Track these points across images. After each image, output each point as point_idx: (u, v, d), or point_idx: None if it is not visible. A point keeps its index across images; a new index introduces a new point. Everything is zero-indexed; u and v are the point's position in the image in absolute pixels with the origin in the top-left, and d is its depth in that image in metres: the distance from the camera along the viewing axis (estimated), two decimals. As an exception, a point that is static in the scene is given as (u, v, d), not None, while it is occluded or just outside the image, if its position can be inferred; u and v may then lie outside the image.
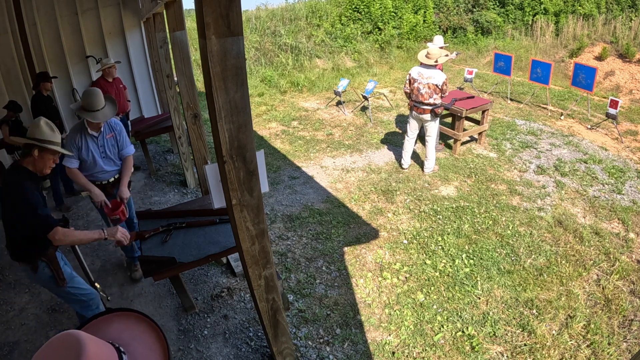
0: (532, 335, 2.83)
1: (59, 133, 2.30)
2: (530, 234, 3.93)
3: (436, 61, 4.56)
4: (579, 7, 10.88)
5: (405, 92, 4.89)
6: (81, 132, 2.97)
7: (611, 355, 2.67)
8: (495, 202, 4.49)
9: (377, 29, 11.91)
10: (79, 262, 2.65)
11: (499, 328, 2.90)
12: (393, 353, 2.75)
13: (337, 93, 7.70)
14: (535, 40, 11.01)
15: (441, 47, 5.17)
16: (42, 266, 2.30)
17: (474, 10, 12.47)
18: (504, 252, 3.70)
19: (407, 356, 2.72)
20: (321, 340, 2.86)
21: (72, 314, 3.11)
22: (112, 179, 3.20)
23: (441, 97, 4.63)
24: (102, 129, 3.03)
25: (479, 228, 4.05)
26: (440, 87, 4.52)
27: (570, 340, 2.79)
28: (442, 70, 4.82)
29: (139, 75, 6.92)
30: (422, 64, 4.69)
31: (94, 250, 3.91)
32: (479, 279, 3.37)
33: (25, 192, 2.11)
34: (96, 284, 2.68)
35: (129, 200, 3.35)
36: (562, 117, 6.97)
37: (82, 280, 2.54)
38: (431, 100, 4.59)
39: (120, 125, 3.21)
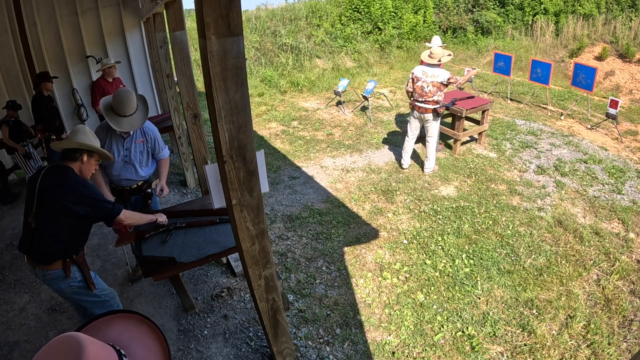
0: (532, 335, 2.83)
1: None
2: (530, 234, 3.93)
3: (439, 60, 4.58)
4: (579, 7, 10.88)
5: (407, 92, 4.90)
6: (108, 130, 2.78)
7: (611, 355, 2.67)
8: (495, 202, 4.49)
9: (377, 29, 11.90)
10: None
11: (499, 328, 2.90)
12: (393, 353, 2.75)
13: (337, 93, 7.70)
14: (535, 40, 11.01)
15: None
16: (74, 270, 2.26)
17: (474, 10, 12.46)
18: (504, 252, 3.70)
19: (407, 356, 2.72)
20: (321, 340, 2.86)
21: (72, 314, 3.11)
22: (132, 187, 3.01)
23: (448, 87, 4.66)
24: (131, 132, 2.82)
25: (479, 228, 4.05)
26: (445, 83, 4.57)
27: (570, 340, 2.79)
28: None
29: (139, 75, 6.91)
30: (425, 64, 4.71)
31: (94, 250, 3.91)
32: (479, 279, 3.37)
33: (88, 184, 2.20)
34: None
35: (155, 205, 3.26)
36: (562, 117, 6.97)
37: (101, 280, 2.51)
38: (435, 98, 4.61)
39: (154, 131, 2.94)
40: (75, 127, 2.29)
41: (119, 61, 5.81)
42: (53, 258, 2.19)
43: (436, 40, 5.32)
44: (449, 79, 4.57)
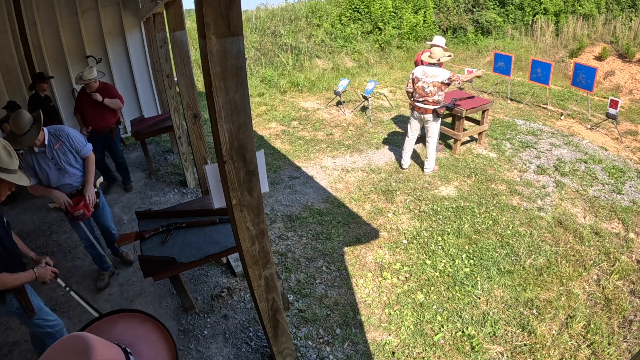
0: (532, 335, 2.83)
1: (17, 158, 2.17)
2: (530, 234, 3.93)
3: (439, 60, 4.59)
4: (579, 7, 10.88)
5: (407, 92, 4.90)
6: (29, 151, 2.86)
7: (611, 355, 2.67)
8: (495, 202, 4.49)
9: (377, 29, 11.91)
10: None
11: (499, 328, 2.90)
12: (393, 353, 2.75)
13: (337, 93, 7.70)
14: (535, 40, 11.00)
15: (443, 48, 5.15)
16: (9, 298, 2.19)
17: (474, 10, 12.46)
18: (504, 252, 3.70)
19: (407, 356, 2.72)
20: (321, 340, 2.86)
21: (72, 314, 3.11)
22: (73, 192, 3.07)
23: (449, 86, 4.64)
24: (45, 141, 2.86)
25: (479, 228, 4.05)
26: (446, 82, 4.57)
27: (570, 340, 2.79)
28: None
29: (139, 75, 6.91)
30: (425, 64, 4.71)
31: (94, 250, 3.90)
32: (479, 279, 3.37)
33: None
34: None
35: (103, 207, 3.26)
36: (562, 117, 6.97)
37: (49, 312, 2.45)
38: (436, 98, 4.62)
39: (64, 130, 3.00)
40: None
41: (103, 73, 5.43)
42: None
43: (438, 40, 5.31)
44: (449, 78, 4.57)
